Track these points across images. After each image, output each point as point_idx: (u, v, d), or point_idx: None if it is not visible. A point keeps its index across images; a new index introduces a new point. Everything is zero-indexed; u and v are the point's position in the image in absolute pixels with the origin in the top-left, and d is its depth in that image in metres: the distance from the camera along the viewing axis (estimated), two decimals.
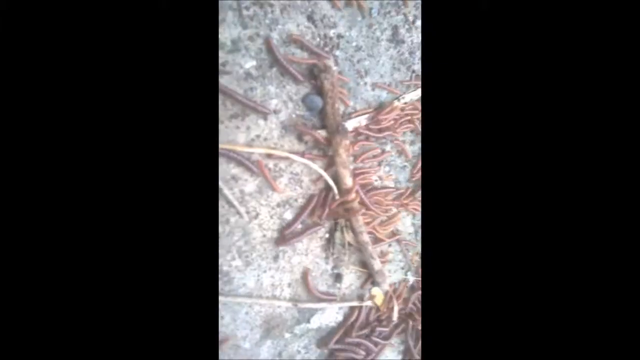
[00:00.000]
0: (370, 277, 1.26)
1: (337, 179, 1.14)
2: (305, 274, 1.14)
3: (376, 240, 1.27)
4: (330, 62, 1.10)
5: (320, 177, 1.12)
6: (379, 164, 1.28)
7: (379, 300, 1.29)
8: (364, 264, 1.25)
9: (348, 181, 1.14)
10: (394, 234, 1.31)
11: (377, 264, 1.23)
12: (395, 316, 1.29)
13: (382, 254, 1.31)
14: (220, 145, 1.00)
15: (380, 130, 1.23)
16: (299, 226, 1.11)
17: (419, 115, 1.29)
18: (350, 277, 1.24)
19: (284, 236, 1.09)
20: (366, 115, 1.21)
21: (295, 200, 1.12)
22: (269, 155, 1.05)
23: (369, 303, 1.26)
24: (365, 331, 1.27)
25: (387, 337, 1.29)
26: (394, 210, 1.30)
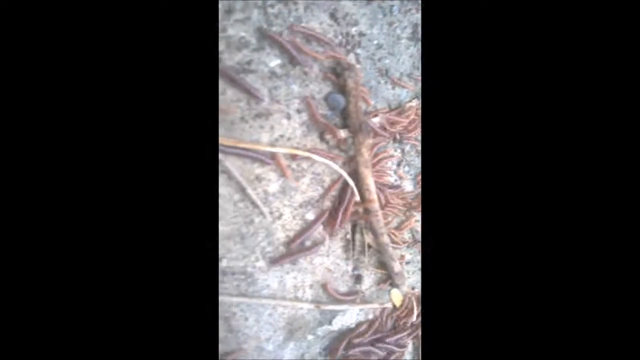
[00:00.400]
0: (389, 278, 1.28)
1: (358, 179, 1.15)
2: (325, 285, 1.16)
3: (393, 243, 1.28)
4: (336, 53, 1.12)
5: (339, 178, 1.14)
6: (399, 164, 1.30)
7: (398, 301, 1.31)
8: (384, 266, 1.26)
9: (370, 181, 1.16)
10: (414, 237, 1.33)
11: (397, 266, 1.25)
12: (414, 317, 1.31)
13: (401, 256, 1.32)
14: (243, 145, 1.01)
15: (392, 133, 1.24)
16: (305, 241, 1.12)
17: None
18: (370, 279, 1.25)
19: (282, 255, 1.09)
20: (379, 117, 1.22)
21: (317, 201, 1.13)
22: (294, 156, 1.07)
23: (388, 305, 1.28)
24: (380, 335, 1.28)
25: (402, 345, 1.31)
26: (412, 212, 1.32)
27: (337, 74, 1.12)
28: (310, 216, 1.11)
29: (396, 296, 1.31)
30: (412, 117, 1.27)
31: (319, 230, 1.14)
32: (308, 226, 1.11)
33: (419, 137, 1.31)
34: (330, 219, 1.15)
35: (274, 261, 1.07)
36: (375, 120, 1.20)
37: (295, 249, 1.10)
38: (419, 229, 1.36)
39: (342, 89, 1.13)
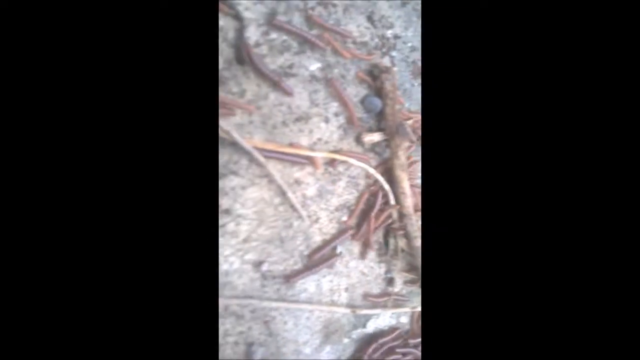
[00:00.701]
0: (417, 281, 1.29)
1: (393, 182, 1.16)
2: (365, 294, 1.18)
3: None
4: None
5: (374, 182, 1.15)
6: None
7: None
8: (416, 269, 1.27)
9: (405, 184, 1.16)
10: None
11: None
12: None
13: None
14: (283, 149, 1.01)
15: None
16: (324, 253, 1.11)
17: None
18: (403, 282, 1.27)
19: (296, 271, 1.08)
20: None
21: (352, 205, 1.14)
22: (332, 161, 1.08)
23: (419, 308, 1.29)
24: (404, 338, 1.29)
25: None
26: None
27: (374, 77, 1.13)
28: (345, 219, 1.12)
29: None
30: None
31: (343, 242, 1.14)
32: (328, 241, 1.11)
33: None
34: (359, 225, 1.15)
35: (289, 278, 1.06)
36: (409, 123, 1.21)
37: (309, 265, 1.09)
38: None
39: (379, 92, 1.13)
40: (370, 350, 1.17)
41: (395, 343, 1.22)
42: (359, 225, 1.15)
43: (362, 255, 1.17)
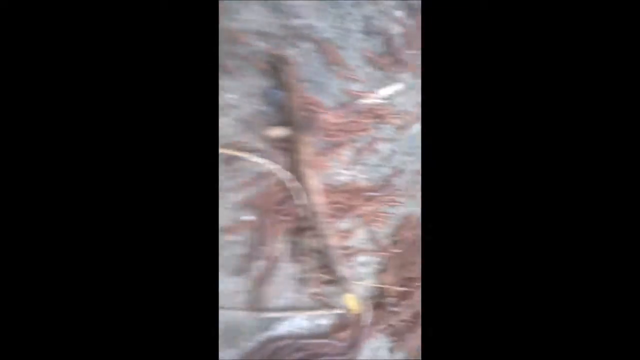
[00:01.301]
0: (336, 282, 1.24)
1: (301, 179, 1.13)
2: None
3: (342, 247, 1.25)
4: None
5: (277, 181, 1.11)
6: (355, 163, 1.26)
7: (353, 306, 1.27)
8: (331, 270, 1.23)
9: (314, 182, 1.13)
10: (370, 240, 1.29)
11: (343, 270, 1.21)
12: (368, 321, 1.28)
13: (350, 259, 1.28)
14: None
15: (342, 130, 1.21)
16: None
17: (396, 110, 1.27)
18: (317, 283, 1.23)
19: None
20: None
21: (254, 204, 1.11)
22: (230, 157, 1.04)
23: (338, 311, 1.25)
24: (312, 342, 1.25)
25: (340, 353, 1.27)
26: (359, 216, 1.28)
27: (276, 69, 1.10)
28: (245, 217, 1.09)
29: (352, 301, 1.27)
30: (363, 113, 1.23)
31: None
32: None
33: (377, 135, 1.27)
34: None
35: None
36: (321, 117, 1.17)
37: None
38: (367, 234, 1.31)
39: (282, 85, 1.10)
40: (270, 351, 1.14)
41: (299, 344, 1.19)
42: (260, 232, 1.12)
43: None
